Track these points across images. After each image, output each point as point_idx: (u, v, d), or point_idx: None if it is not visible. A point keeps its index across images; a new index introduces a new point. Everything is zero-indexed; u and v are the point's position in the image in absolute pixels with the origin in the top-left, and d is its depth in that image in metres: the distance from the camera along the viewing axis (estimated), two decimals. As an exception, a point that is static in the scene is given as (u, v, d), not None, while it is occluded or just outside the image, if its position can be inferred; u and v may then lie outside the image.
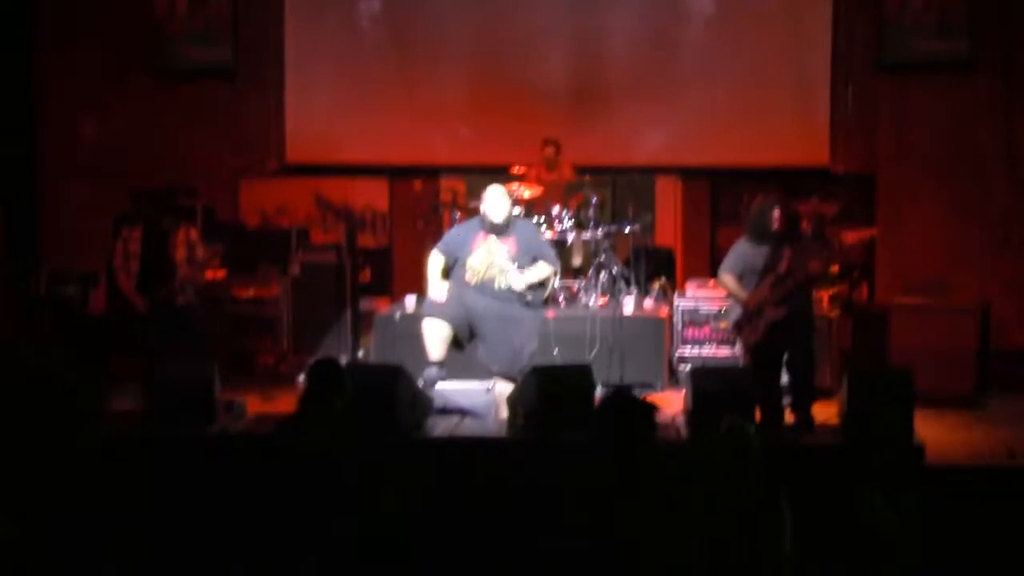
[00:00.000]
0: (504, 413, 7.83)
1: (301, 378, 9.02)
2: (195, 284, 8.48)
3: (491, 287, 8.21)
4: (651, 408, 5.10)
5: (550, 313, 9.00)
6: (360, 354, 9.83)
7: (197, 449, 7.27)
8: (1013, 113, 11.32)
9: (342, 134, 11.98)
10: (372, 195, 12.38)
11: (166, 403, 7.56)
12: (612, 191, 11.72)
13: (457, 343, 8.30)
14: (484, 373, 8.44)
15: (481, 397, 8.27)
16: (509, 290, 8.21)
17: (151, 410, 7.61)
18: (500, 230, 8.28)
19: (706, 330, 9.54)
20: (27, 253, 11.50)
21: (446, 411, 7.98)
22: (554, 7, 11.75)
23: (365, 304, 10.43)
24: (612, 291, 9.83)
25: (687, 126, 11.64)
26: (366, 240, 12.03)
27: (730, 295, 8.06)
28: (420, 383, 7.97)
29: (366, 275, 11.41)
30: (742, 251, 7.85)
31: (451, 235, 8.70)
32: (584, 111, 11.60)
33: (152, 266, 8.28)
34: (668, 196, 12.21)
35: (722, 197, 12.09)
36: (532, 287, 8.27)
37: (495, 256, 8.25)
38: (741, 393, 7.30)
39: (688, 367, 8.84)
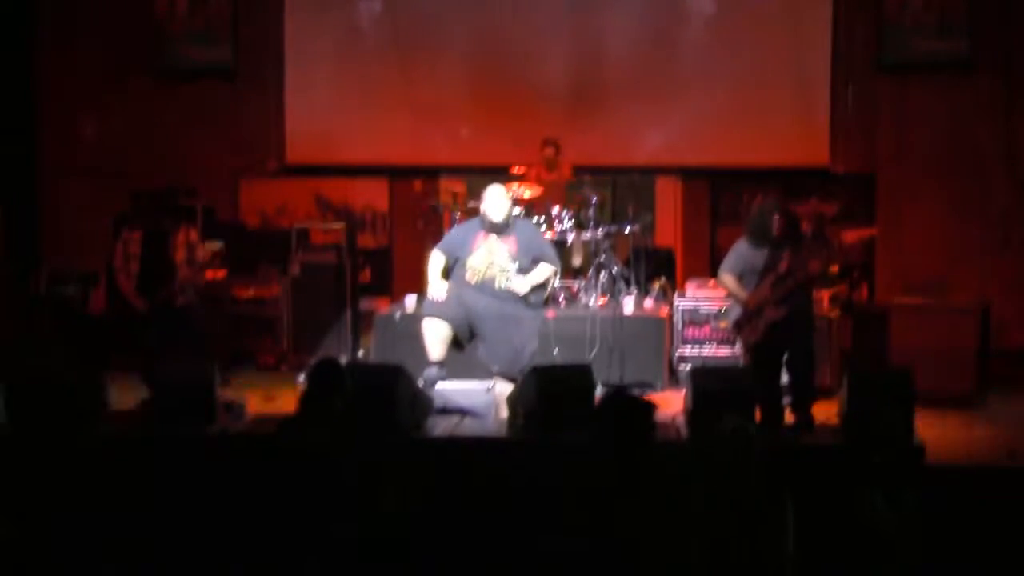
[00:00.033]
0: (504, 413, 7.82)
1: (301, 378, 9.03)
2: (195, 285, 8.48)
3: (491, 286, 8.21)
4: (650, 407, 5.10)
5: (550, 313, 9.00)
6: (360, 354, 9.84)
7: (197, 449, 7.27)
8: (1013, 113, 11.32)
9: (342, 134, 11.98)
10: (372, 195, 12.39)
11: (166, 403, 7.56)
12: (612, 191, 11.73)
13: (457, 343, 8.30)
14: (484, 373, 8.43)
15: (481, 397, 8.26)
16: (509, 289, 8.21)
17: (151, 410, 7.61)
18: (500, 229, 8.28)
19: (706, 330, 9.54)
20: (27, 253, 11.51)
21: (446, 411, 7.97)
22: (554, 7, 11.76)
23: (365, 304, 10.44)
24: (612, 291, 9.82)
25: (687, 126, 11.64)
26: (366, 240, 12.03)
27: (730, 295, 8.06)
28: (420, 383, 7.97)
29: (366, 275, 11.42)
30: (742, 251, 7.85)
31: (451, 235, 8.70)
32: (584, 111, 11.60)
33: (152, 268, 8.28)
34: (668, 196, 12.21)
35: (722, 197, 12.09)
36: (534, 288, 8.28)
37: (496, 256, 8.25)
38: (741, 393, 7.30)
39: (688, 367, 8.83)
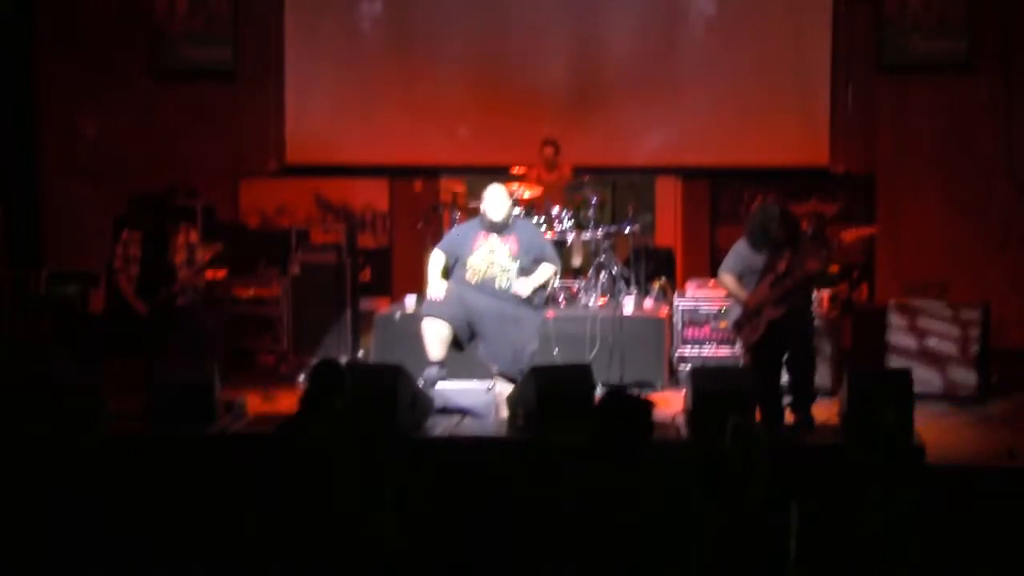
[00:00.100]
0: (504, 413, 7.83)
1: (301, 378, 9.03)
2: (195, 286, 8.48)
3: (491, 285, 8.21)
4: (647, 405, 5.09)
5: (550, 313, 9.00)
6: (360, 354, 9.83)
7: (197, 449, 7.27)
8: (1013, 113, 11.32)
9: (342, 134, 11.98)
10: (372, 195, 12.39)
11: (166, 403, 7.56)
12: (612, 191, 11.74)
13: (457, 343, 8.30)
14: (484, 373, 8.43)
15: (481, 397, 8.26)
16: (510, 289, 8.21)
17: (151, 410, 7.61)
18: (500, 228, 8.28)
19: (706, 330, 9.54)
20: (27, 253, 11.50)
21: (446, 411, 7.97)
22: (554, 7, 11.76)
23: (365, 304, 10.43)
24: (612, 291, 9.83)
25: (687, 126, 11.64)
26: (366, 240, 12.03)
27: (730, 295, 8.06)
28: (420, 383, 7.97)
29: (366, 275, 11.41)
30: (741, 252, 7.85)
31: (452, 235, 8.70)
32: (584, 111, 11.60)
33: (152, 269, 8.27)
34: (668, 196, 12.22)
35: (722, 197, 12.09)
36: (536, 289, 8.28)
37: (496, 255, 8.25)
38: (741, 393, 7.30)
39: (688, 367, 8.84)
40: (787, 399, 7.76)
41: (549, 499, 5.38)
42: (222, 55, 12.04)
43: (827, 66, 11.52)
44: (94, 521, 6.64)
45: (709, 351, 9.51)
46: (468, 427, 7.78)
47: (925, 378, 8.57)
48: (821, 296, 9.01)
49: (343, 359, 8.95)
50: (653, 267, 10.70)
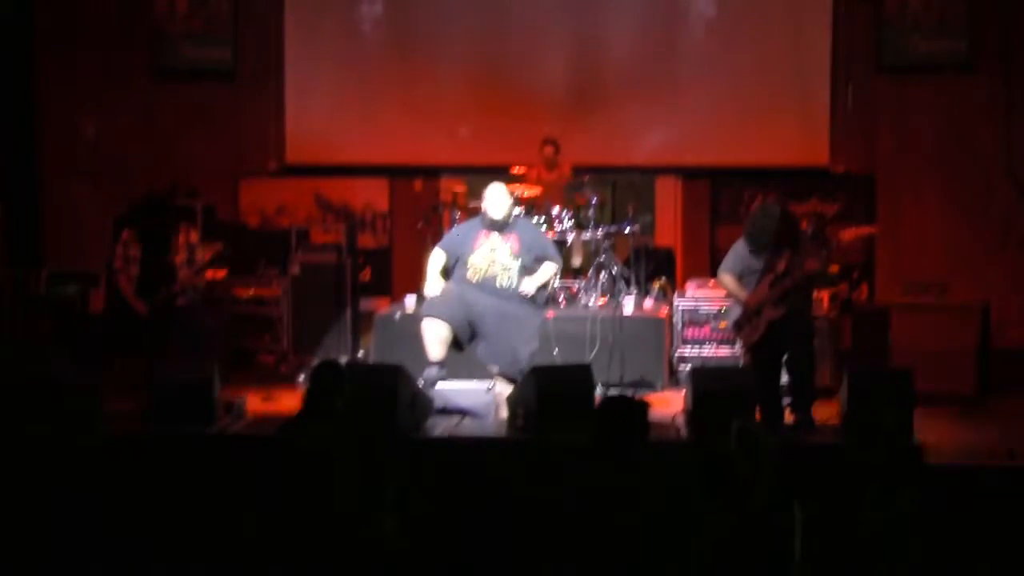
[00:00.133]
0: (504, 413, 7.83)
1: (301, 378, 9.03)
2: (195, 286, 8.48)
3: (492, 284, 8.21)
4: (642, 406, 5.09)
5: (550, 313, 9.00)
6: (360, 354, 9.83)
7: (197, 449, 7.27)
8: (1013, 113, 11.31)
9: (342, 134, 11.98)
10: (372, 195, 12.39)
11: (166, 403, 7.56)
12: (612, 191, 11.73)
13: (457, 343, 8.30)
14: (484, 373, 8.43)
15: (481, 397, 8.27)
16: (511, 287, 8.20)
17: (151, 410, 7.61)
18: (501, 227, 8.28)
19: (706, 330, 9.54)
20: (27, 253, 11.50)
21: (446, 411, 7.98)
22: (554, 7, 11.75)
23: (365, 304, 10.43)
24: (612, 291, 9.83)
25: (687, 126, 11.64)
26: (366, 240, 12.03)
27: (730, 295, 8.07)
28: (420, 383, 7.97)
29: (366, 275, 11.41)
30: (741, 252, 7.86)
31: (452, 234, 8.71)
32: (584, 111, 11.60)
33: (152, 269, 8.27)
34: (668, 196, 12.21)
35: (722, 197, 12.09)
36: (539, 288, 8.29)
37: (497, 253, 8.25)
38: (741, 393, 7.30)
39: (688, 367, 8.84)
40: (787, 399, 7.76)
41: (549, 499, 5.38)
42: (222, 55, 12.03)
43: (827, 66, 11.51)
44: (94, 521, 6.64)
45: (709, 351, 9.51)
46: (468, 427, 7.79)
47: (925, 378, 8.56)
48: (821, 296, 9.01)
49: (343, 359, 8.95)
50: (653, 267, 10.70)
